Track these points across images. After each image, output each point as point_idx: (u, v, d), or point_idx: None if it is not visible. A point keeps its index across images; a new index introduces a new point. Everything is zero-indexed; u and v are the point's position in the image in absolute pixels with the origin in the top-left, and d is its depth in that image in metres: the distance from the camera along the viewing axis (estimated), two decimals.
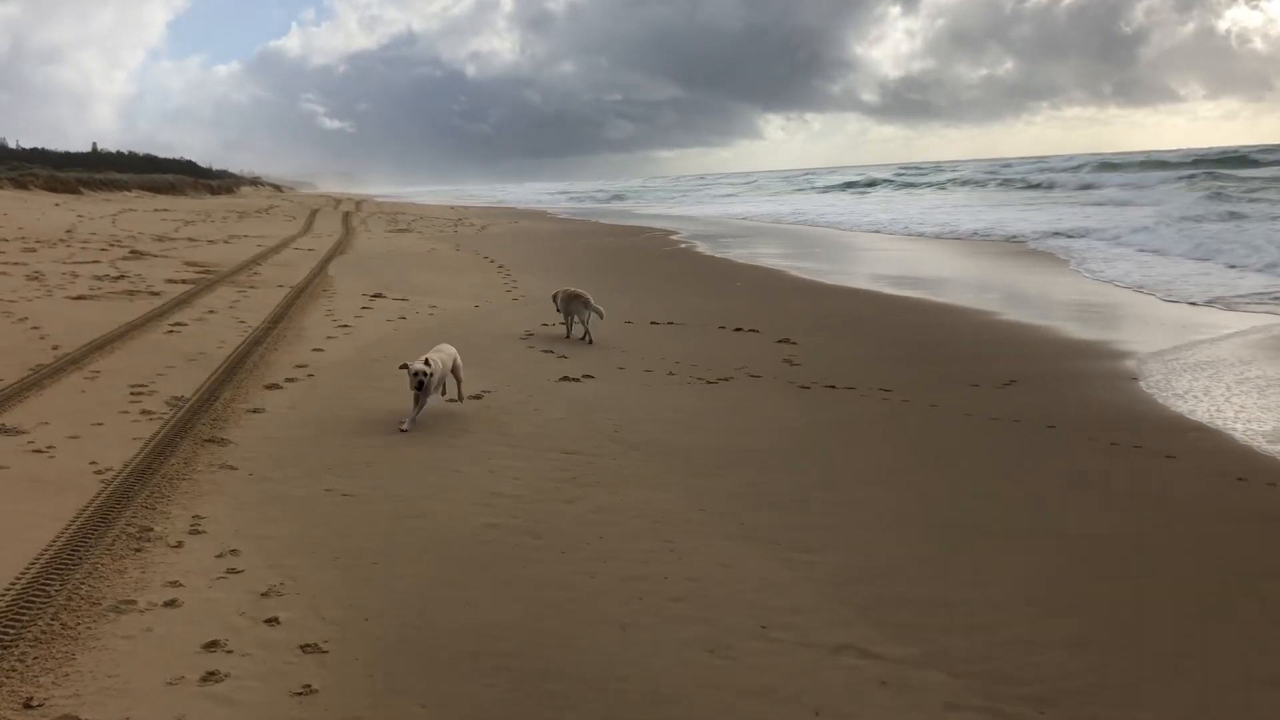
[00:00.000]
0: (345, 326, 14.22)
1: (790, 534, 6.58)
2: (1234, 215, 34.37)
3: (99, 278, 18.38)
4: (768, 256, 28.95)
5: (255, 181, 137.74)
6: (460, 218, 54.78)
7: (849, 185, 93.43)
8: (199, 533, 6.28)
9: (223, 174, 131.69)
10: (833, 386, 11.08)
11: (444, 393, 9.84)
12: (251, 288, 18.25)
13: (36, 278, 17.86)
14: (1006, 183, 75.55)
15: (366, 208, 71.27)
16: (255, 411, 9.06)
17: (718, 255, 29.84)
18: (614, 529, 6.63)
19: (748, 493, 7.44)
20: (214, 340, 12.45)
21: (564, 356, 12.50)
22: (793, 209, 61.12)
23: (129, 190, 72.53)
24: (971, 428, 9.46)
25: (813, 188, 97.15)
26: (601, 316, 14.26)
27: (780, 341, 14.13)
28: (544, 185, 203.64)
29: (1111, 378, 11.61)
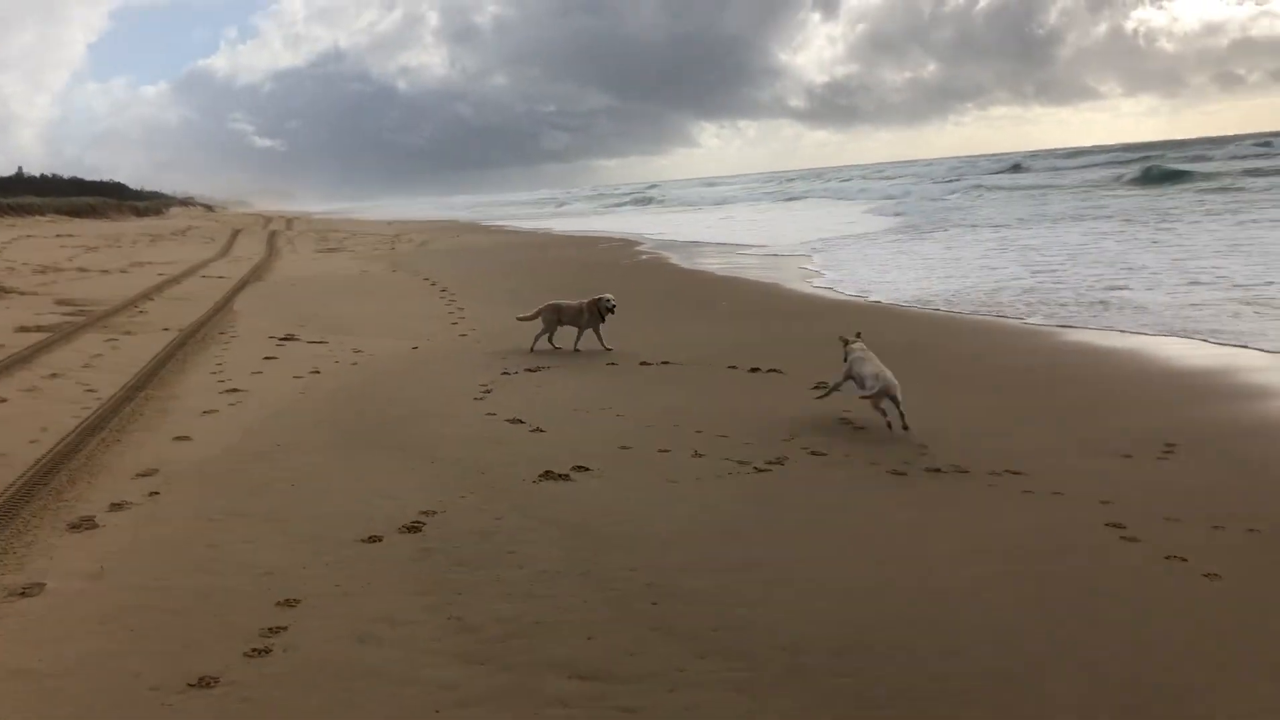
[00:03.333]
0: (234, 391, 10.47)
1: None
2: None
3: None
4: (742, 269, 25.51)
5: (187, 202, 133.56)
6: (398, 234, 50.81)
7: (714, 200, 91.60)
8: None
9: (154, 195, 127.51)
10: (937, 470, 7.59)
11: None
12: (127, 333, 14.39)
13: None
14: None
15: (297, 226, 66.94)
16: (24, 594, 5.27)
17: (689, 267, 26.35)
18: None
19: None
20: (32, 426, 8.64)
21: (539, 429, 8.88)
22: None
23: (43, 215, 67.76)
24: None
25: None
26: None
27: (818, 386, 10.64)
28: (485, 197, 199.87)
29: None
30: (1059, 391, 10.46)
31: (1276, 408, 9.55)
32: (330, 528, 6.19)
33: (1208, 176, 52.00)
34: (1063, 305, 15.98)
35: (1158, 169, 57.82)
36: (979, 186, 65.32)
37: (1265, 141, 78.56)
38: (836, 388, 9.69)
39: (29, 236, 40.75)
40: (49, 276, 23.10)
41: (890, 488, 7.20)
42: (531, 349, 13.46)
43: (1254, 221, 29.45)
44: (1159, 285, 17.48)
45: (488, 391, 10.61)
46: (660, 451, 8.11)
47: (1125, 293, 16.83)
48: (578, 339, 13.66)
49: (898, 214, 47.40)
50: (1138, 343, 12.76)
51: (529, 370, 11.90)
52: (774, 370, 11.72)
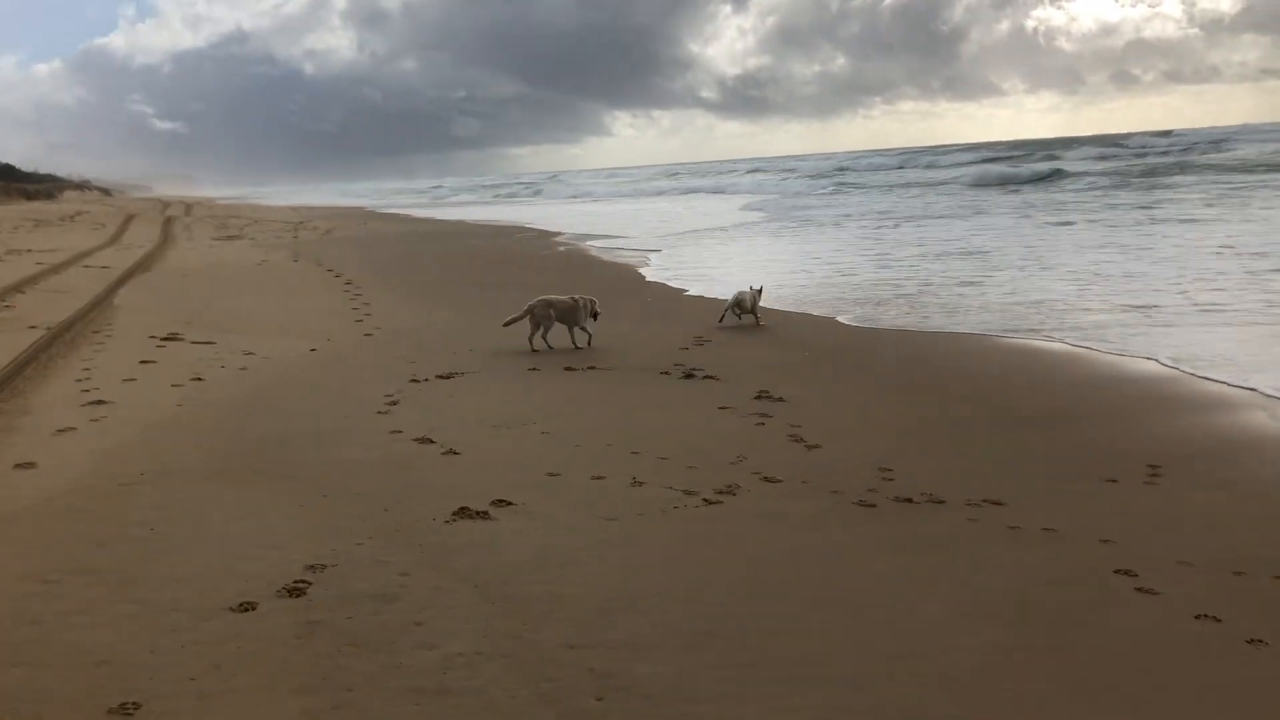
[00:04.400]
0: (99, 403, 9.10)
1: None
2: None
3: None
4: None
5: (83, 186, 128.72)
6: (302, 220, 48.75)
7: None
8: None
9: (46, 178, 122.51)
10: (909, 500, 6.66)
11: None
12: None
13: None
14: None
15: (197, 211, 64.14)
16: None
17: (610, 260, 25.30)
18: None
19: None
20: None
21: (452, 451, 7.73)
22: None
23: None
24: None
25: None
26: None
27: (759, 397, 9.71)
28: (394, 184, 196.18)
29: None
30: (993, 399, 9.75)
31: (1239, 424, 8.86)
32: (193, 590, 5.00)
33: (1080, 176, 52.92)
34: (879, 304, 15.52)
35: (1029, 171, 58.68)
36: (851, 185, 66.44)
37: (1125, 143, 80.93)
38: None
39: None
40: None
41: (861, 524, 6.24)
42: (533, 349, 12.50)
43: (1108, 223, 29.43)
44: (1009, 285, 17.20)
45: (393, 403, 9.42)
46: (594, 479, 7.04)
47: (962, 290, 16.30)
48: (574, 337, 12.81)
49: (759, 210, 48.46)
50: (1025, 346, 12.23)
51: (441, 377, 10.73)
52: (710, 377, 10.74)
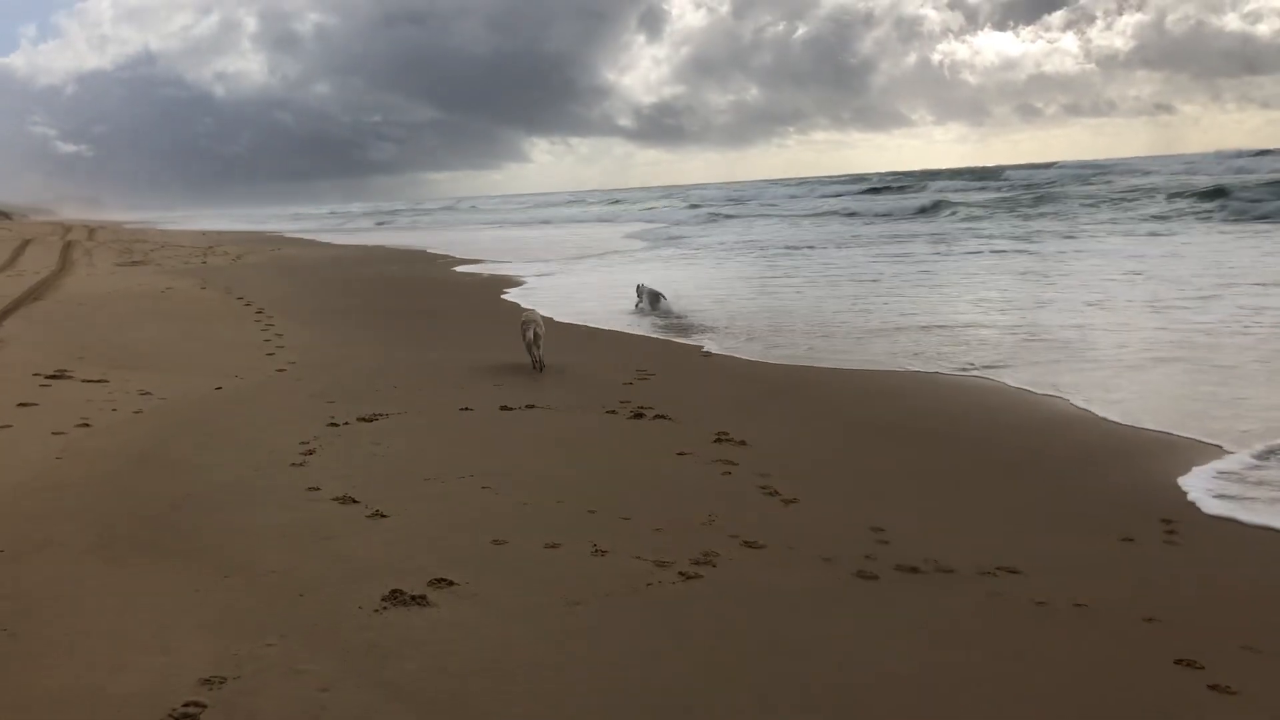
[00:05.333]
0: None
1: None
2: None
3: None
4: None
5: None
6: (211, 246, 46.81)
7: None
8: None
9: None
10: (913, 569, 5.77)
11: None
12: None
13: None
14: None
15: (101, 235, 61.44)
16: None
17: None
18: None
19: None
20: None
21: (380, 514, 6.65)
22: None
23: None
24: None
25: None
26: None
27: (719, 440, 8.81)
28: (308, 209, 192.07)
29: None
30: (963, 443, 8.95)
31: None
32: None
33: (972, 205, 53.46)
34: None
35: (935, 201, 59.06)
36: (718, 215, 66.91)
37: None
38: None
39: None
40: None
41: (866, 603, 5.33)
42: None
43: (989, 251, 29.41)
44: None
45: (309, 452, 8.30)
46: (547, 547, 6.04)
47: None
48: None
49: (633, 235, 49.58)
50: (970, 383, 11.35)
51: (363, 419, 9.63)
52: (661, 417, 9.81)
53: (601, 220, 74.96)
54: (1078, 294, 18.65)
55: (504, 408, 10.30)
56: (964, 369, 12.07)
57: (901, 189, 77.32)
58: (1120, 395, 10.42)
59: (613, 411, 10.10)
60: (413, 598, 5.17)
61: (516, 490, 7.28)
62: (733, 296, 20.79)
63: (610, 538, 6.20)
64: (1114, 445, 8.72)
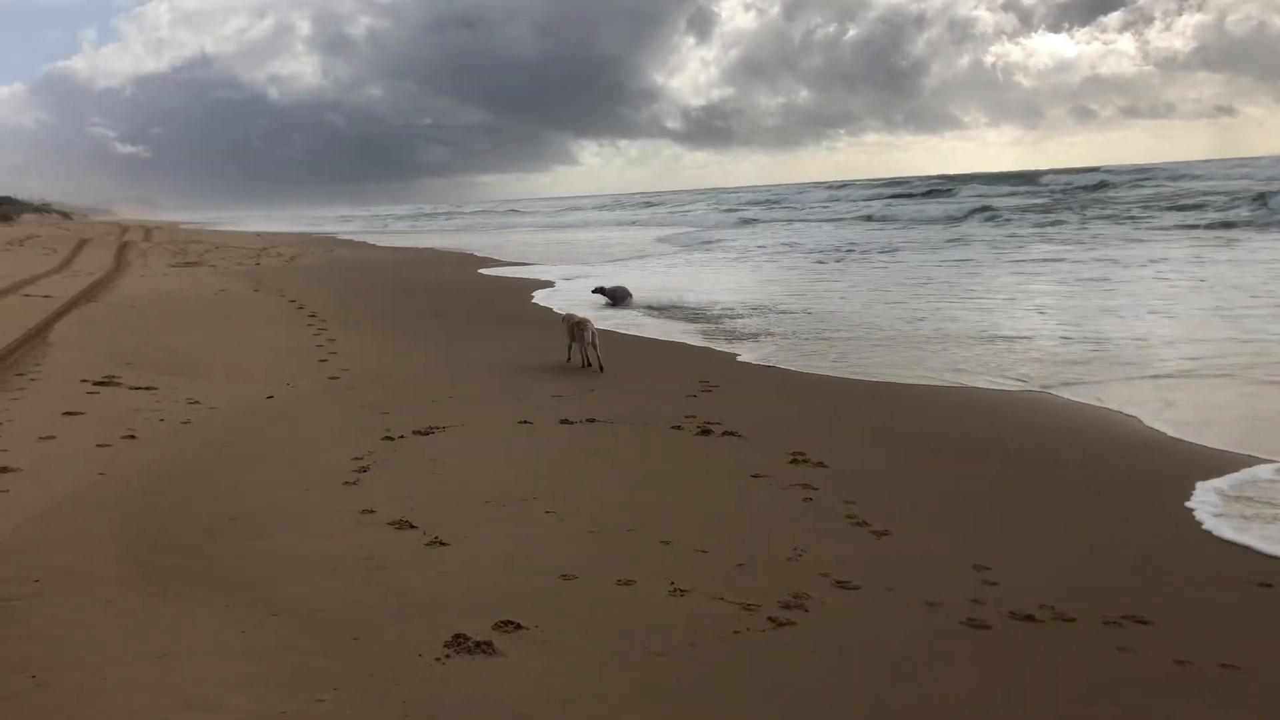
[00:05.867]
0: (3, 471, 7.47)
1: None
2: None
3: None
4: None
5: (43, 209, 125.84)
6: (265, 247, 46.95)
7: None
8: None
9: (7, 200, 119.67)
10: (1030, 618, 5.18)
11: None
12: None
13: None
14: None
15: (157, 236, 62.06)
16: None
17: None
18: None
19: None
20: None
21: (439, 541, 6.17)
22: None
23: None
24: None
25: None
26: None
27: (796, 461, 8.25)
28: (359, 210, 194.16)
29: None
30: (1047, 467, 8.23)
31: None
32: None
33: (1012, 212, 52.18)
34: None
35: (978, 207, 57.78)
36: (750, 220, 66.39)
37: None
38: None
39: None
40: None
41: (982, 659, 4.75)
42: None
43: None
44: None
45: (363, 469, 7.86)
46: (621, 584, 5.53)
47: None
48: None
49: (664, 239, 49.66)
50: (1035, 399, 10.65)
51: (418, 432, 9.19)
52: (731, 434, 9.27)
53: (635, 224, 74.65)
54: (1138, 302, 17.84)
55: (564, 421, 9.81)
56: (1039, 384, 11.39)
57: (946, 192, 76.33)
58: (1206, 415, 9.71)
59: (678, 427, 9.58)
60: (478, 644, 4.67)
61: (582, 516, 6.78)
62: (771, 302, 20.19)
63: (688, 574, 5.67)
64: (1206, 467, 8.03)
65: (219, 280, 26.80)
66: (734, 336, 15.76)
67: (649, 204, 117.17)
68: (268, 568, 5.67)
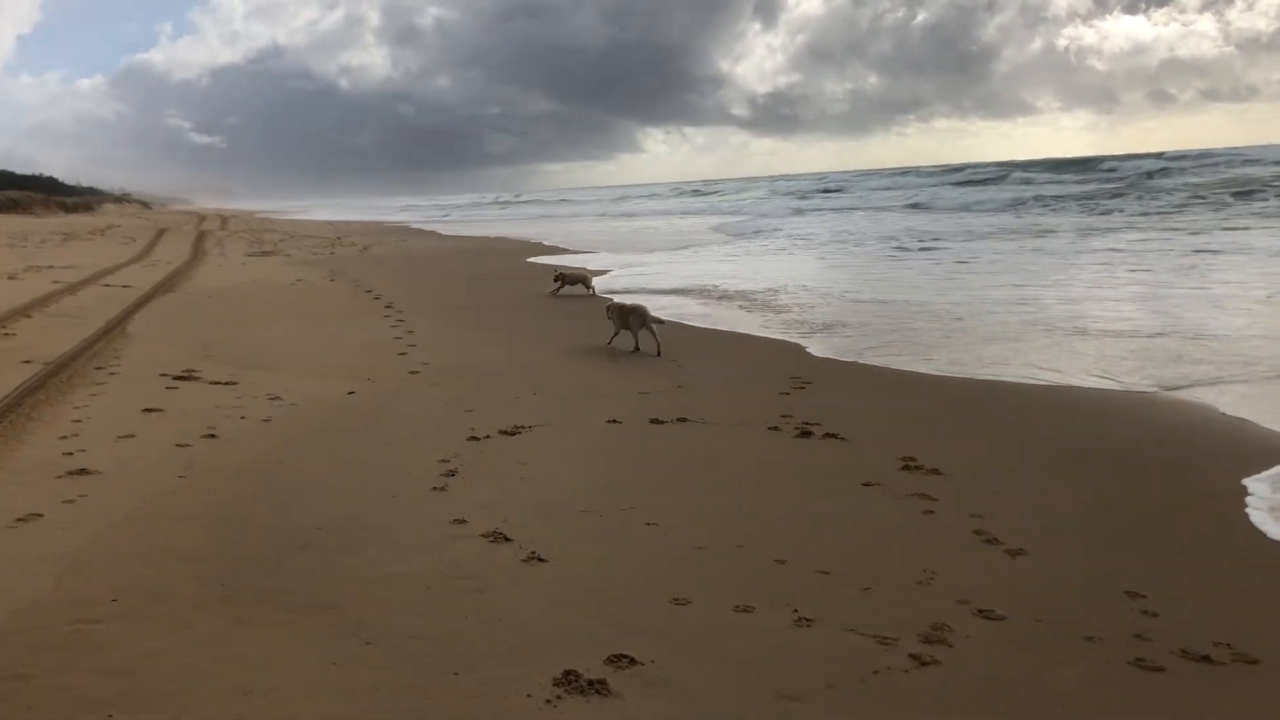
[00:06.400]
0: (80, 474, 7.20)
1: None
2: None
3: None
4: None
5: (123, 199, 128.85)
6: (339, 236, 47.21)
7: None
8: None
9: (88, 190, 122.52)
10: (1205, 659, 4.59)
11: None
12: None
13: None
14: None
15: (233, 225, 62.86)
16: None
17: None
18: None
19: None
20: None
21: (536, 557, 5.73)
22: None
23: None
24: None
25: None
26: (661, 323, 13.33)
27: (907, 468, 7.70)
28: (428, 199, 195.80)
29: None
30: (1167, 473, 7.49)
31: None
32: None
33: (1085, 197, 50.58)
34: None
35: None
36: (802, 209, 65.22)
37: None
38: None
39: None
40: None
41: (1162, 711, 4.18)
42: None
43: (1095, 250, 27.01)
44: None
45: (451, 473, 7.46)
46: (739, 611, 5.03)
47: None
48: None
49: (716, 228, 49.23)
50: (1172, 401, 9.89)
51: (505, 432, 8.79)
52: (832, 435, 8.73)
53: (693, 212, 74.03)
54: (1239, 293, 16.86)
55: (654, 421, 9.34)
56: (1154, 383, 10.65)
57: (1001, 179, 74.71)
58: None
59: (775, 428, 9.06)
60: (590, 683, 4.21)
61: (687, 528, 6.29)
62: (834, 290, 19.57)
63: (812, 600, 5.16)
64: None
65: (294, 270, 26.77)
66: (808, 328, 15.18)
67: (711, 191, 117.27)
68: (356, 588, 5.27)
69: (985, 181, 75.19)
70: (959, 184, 76.02)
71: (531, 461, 7.89)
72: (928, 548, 6.00)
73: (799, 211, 62.43)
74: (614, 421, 9.33)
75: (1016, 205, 50.04)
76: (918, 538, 6.20)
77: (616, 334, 13.69)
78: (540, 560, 5.69)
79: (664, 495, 7.02)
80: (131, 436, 8.29)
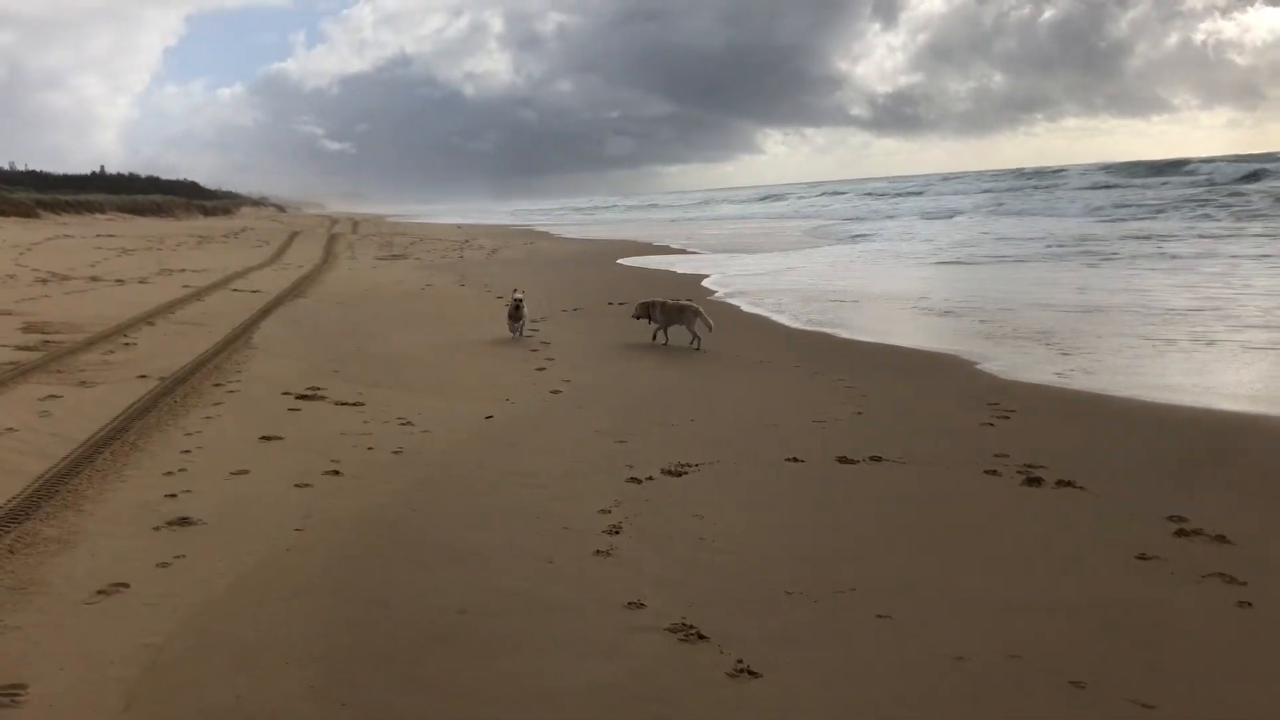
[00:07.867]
0: (181, 525, 6.05)
1: None
2: None
3: None
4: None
5: (260, 203, 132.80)
6: (467, 239, 46.77)
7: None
8: None
9: (227, 195, 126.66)
10: None
11: None
12: (83, 383, 10.15)
13: None
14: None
15: (364, 228, 63.28)
16: None
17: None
18: None
19: None
20: None
21: (746, 670, 4.32)
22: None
23: (102, 213, 65.47)
24: None
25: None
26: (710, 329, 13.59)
27: (1182, 534, 6.08)
28: (551, 203, 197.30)
29: None
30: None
31: None
32: None
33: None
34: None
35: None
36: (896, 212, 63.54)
37: None
38: None
39: (66, 236, 37.37)
40: (46, 288, 19.15)
41: None
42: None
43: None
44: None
45: (615, 530, 6.11)
46: None
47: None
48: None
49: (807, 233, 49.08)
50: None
51: (668, 472, 7.42)
52: (1066, 484, 7.12)
53: (789, 216, 72.55)
54: None
55: (843, 460, 7.86)
56: None
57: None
58: None
59: (994, 472, 7.49)
60: None
61: (932, 625, 4.81)
62: (980, 300, 17.63)
63: None
64: None
65: (424, 274, 26.02)
66: (981, 337, 13.52)
67: (821, 193, 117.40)
68: (518, 709, 3.94)
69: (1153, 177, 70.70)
70: (1114, 184, 71.83)
71: (708, 515, 6.50)
72: (1250, 665, 4.40)
73: (894, 215, 60.79)
74: (795, 460, 7.88)
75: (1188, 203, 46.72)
76: (1235, 648, 4.60)
77: (663, 329, 14.08)
78: (750, 675, 4.28)
79: (887, 569, 5.55)
80: (245, 473, 7.18)
